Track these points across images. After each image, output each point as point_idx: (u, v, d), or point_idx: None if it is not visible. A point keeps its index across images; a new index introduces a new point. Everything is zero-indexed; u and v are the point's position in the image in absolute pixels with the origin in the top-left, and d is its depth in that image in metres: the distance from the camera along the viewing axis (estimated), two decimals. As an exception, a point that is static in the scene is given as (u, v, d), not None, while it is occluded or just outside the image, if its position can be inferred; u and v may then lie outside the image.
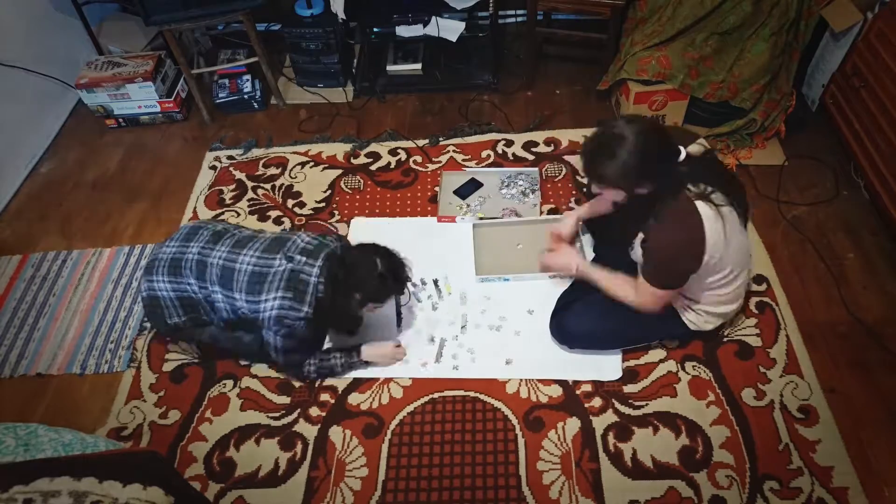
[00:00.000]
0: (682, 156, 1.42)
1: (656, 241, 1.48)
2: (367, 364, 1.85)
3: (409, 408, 1.78)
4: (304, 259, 1.65)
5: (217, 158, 2.62)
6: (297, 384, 1.85)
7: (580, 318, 1.79)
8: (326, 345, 1.93)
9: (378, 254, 1.66)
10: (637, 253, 1.57)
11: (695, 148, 1.51)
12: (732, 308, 1.71)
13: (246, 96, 2.80)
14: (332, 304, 1.65)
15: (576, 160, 2.44)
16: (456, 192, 2.35)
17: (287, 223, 2.31)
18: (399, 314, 1.97)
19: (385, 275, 1.64)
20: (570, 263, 1.80)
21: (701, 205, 1.41)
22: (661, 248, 1.47)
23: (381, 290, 1.66)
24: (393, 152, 2.56)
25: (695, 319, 1.70)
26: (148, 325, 2.03)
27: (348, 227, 2.28)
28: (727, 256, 1.49)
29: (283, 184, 2.47)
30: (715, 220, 1.42)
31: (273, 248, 1.68)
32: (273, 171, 2.53)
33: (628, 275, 1.66)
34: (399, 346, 1.87)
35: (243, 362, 1.90)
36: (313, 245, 1.69)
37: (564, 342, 1.83)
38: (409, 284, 1.78)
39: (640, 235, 1.53)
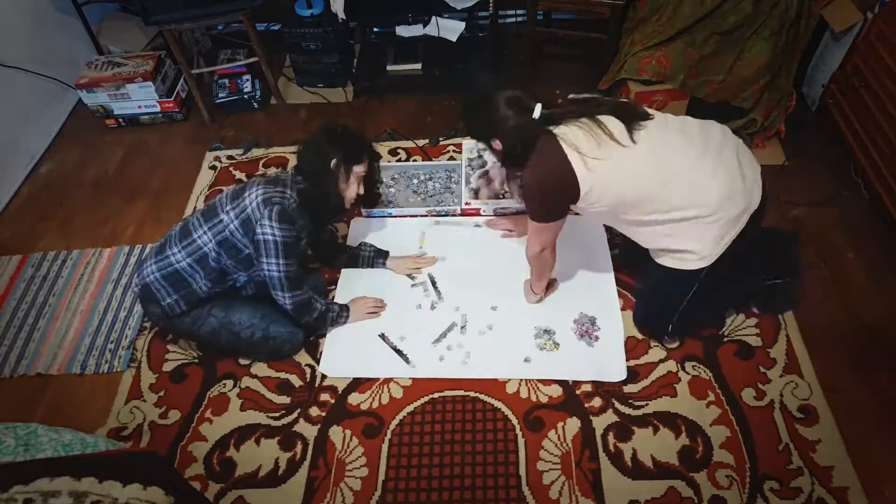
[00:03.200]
0: (537, 112, 1.54)
1: (526, 177, 1.62)
2: (346, 319, 1.96)
3: (409, 408, 1.77)
4: (273, 174, 1.82)
5: (217, 158, 2.62)
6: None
7: (649, 301, 1.85)
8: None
9: (336, 125, 1.82)
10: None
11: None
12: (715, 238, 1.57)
13: (246, 96, 2.80)
14: (316, 183, 1.75)
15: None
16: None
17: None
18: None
19: (346, 133, 1.79)
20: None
21: (565, 145, 1.50)
22: (530, 181, 1.60)
23: (353, 147, 1.78)
24: (393, 152, 2.56)
25: (686, 258, 1.61)
26: (148, 324, 2.03)
27: (348, 227, 2.28)
28: (637, 190, 1.53)
29: (283, 184, 2.47)
30: (578, 158, 1.49)
31: (245, 184, 1.77)
32: (273, 170, 2.53)
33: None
34: (373, 300, 2.00)
35: (243, 361, 1.91)
36: (275, 173, 1.84)
37: (657, 333, 1.87)
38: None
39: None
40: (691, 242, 1.57)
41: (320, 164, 1.74)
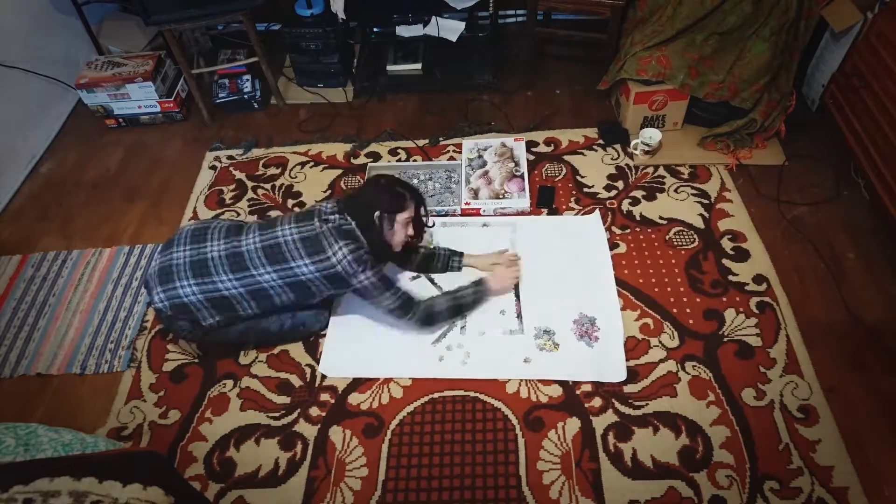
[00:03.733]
0: None
1: None
2: (488, 293, 1.95)
3: (409, 408, 1.78)
4: (336, 217, 1.75)
5: (217, 158, 2.62)
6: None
7: None
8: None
9: (379, 176, 1.85)
10: None
11: None
12: None
13: (246, 96, 2.80)
14: (369, 237, 1.75)
15: (576, 160, 2.44)
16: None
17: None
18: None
19: (389, 184, 1.80)
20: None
21: None
22: None
23: (393, 197, 1.77)
24: (393, 152, 2.56)
25: None
26: (148, 324, 2.03)
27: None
28: None
29: (283, 184, 2.47)
30: None
31: (304, 217, 1.75)
32: (273, 170, 2.53)
33: None
34: (511, 260, 2.02)
35: (243, 361, 1.91)
36: (338, 206, 1.79)
37: None
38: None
39: None
40: None
41: (367, 218, 1.75)
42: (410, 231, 1.86)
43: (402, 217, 1.78)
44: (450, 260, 2.07)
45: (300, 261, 1.69)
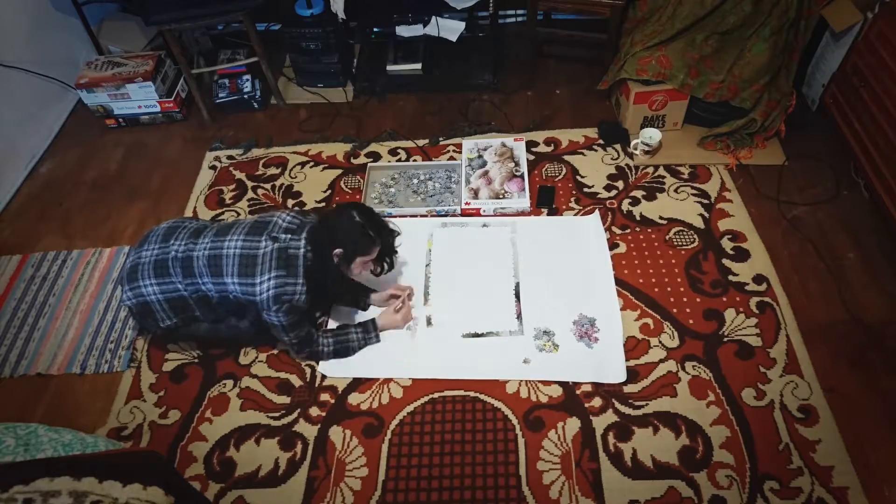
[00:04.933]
0: None
1: None
2: (378, 338, 1.90)
3: (409, 408, 1.77)
4: (288, 237, 1.68)
5: (217, 158, 2.62)
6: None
7: None
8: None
9: (355, 208, 1.72)
10: None
11: None
12: None
13: (246, 96, 2.80)
14: (322, 269, 1.68)
15: (576, 160, 2.44)
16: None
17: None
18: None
19: (364, 224, 1.68)
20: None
21: None
22: None
23: (362, 240, 1.68)
24: (393, 152, 2.56)
25: None
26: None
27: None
28: None
29: (283, 183, 2.47)
30: None
31: (256, 230, 1.71)
32: (273, 170, 2.53)
33: None
34: (400, 307, 1.92)
35: (243, 361, 1.91)
36: (296, 224, 1.73)
37: None
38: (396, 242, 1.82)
39: None
40: None
41: (323, 252, 1.67)
42: (371, 268, 1.80)
43: (362, 259, 1.72)
44: (358, 297, 2.00)
45: (230, 278, 1.67)
